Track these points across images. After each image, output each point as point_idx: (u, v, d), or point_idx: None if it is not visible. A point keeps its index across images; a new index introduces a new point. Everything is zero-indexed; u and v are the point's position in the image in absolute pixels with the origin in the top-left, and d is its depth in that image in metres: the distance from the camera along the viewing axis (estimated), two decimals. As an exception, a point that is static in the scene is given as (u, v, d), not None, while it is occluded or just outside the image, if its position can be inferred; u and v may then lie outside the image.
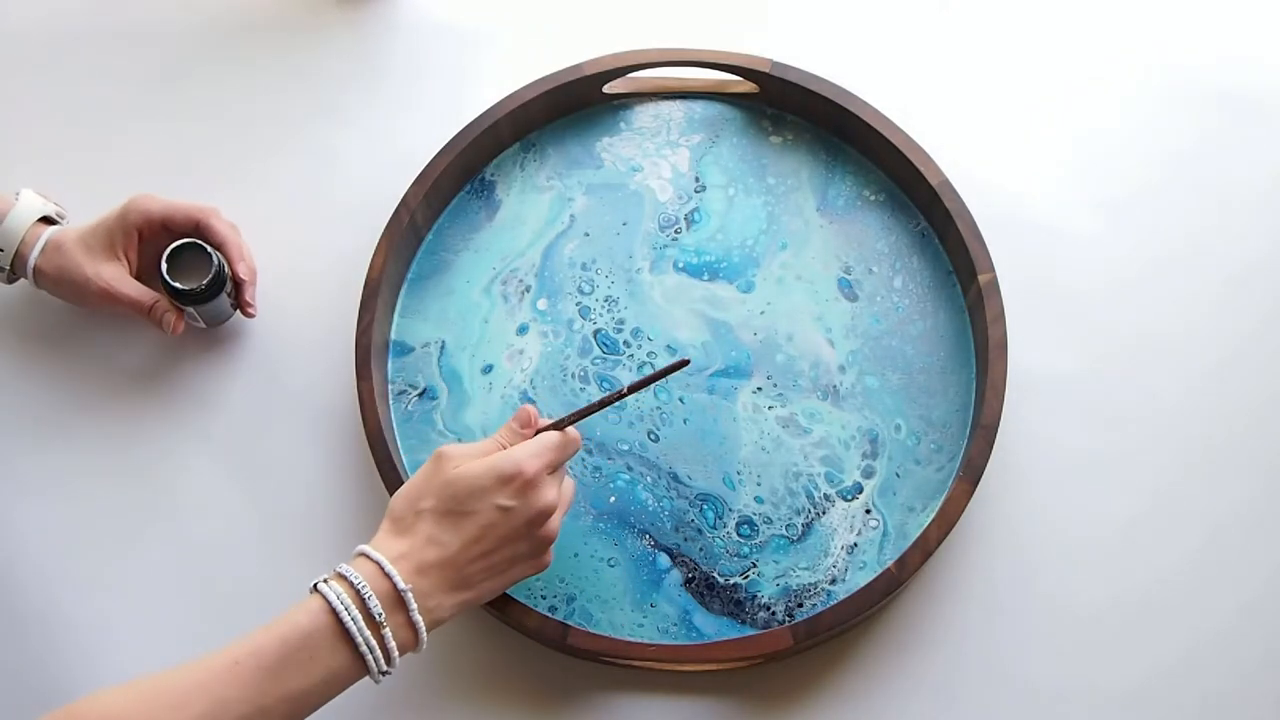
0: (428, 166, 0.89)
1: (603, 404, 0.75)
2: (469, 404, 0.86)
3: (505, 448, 0.73)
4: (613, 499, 0.83)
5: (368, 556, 0.69)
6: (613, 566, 0.82)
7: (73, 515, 0.86)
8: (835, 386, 0.85)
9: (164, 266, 0.84)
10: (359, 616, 0.67)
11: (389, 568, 0.68)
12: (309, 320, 0.90)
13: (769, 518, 0.82)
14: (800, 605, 0.80)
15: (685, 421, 0.85)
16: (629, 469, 0.84)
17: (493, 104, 0.90)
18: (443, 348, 0.88)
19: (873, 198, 0.90)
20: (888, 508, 0.82)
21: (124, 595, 0.84)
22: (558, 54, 0.92)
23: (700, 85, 0.94)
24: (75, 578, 0.84)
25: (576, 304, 0.88)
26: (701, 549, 0.82)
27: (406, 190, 0.88)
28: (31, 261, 0.85)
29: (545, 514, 0.72)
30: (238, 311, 0.89)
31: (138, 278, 0.87)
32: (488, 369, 0.87)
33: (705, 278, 0.89)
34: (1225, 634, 0.81)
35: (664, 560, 0.82)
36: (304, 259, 0.92)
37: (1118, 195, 0.92)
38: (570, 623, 0.79)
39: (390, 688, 0.81)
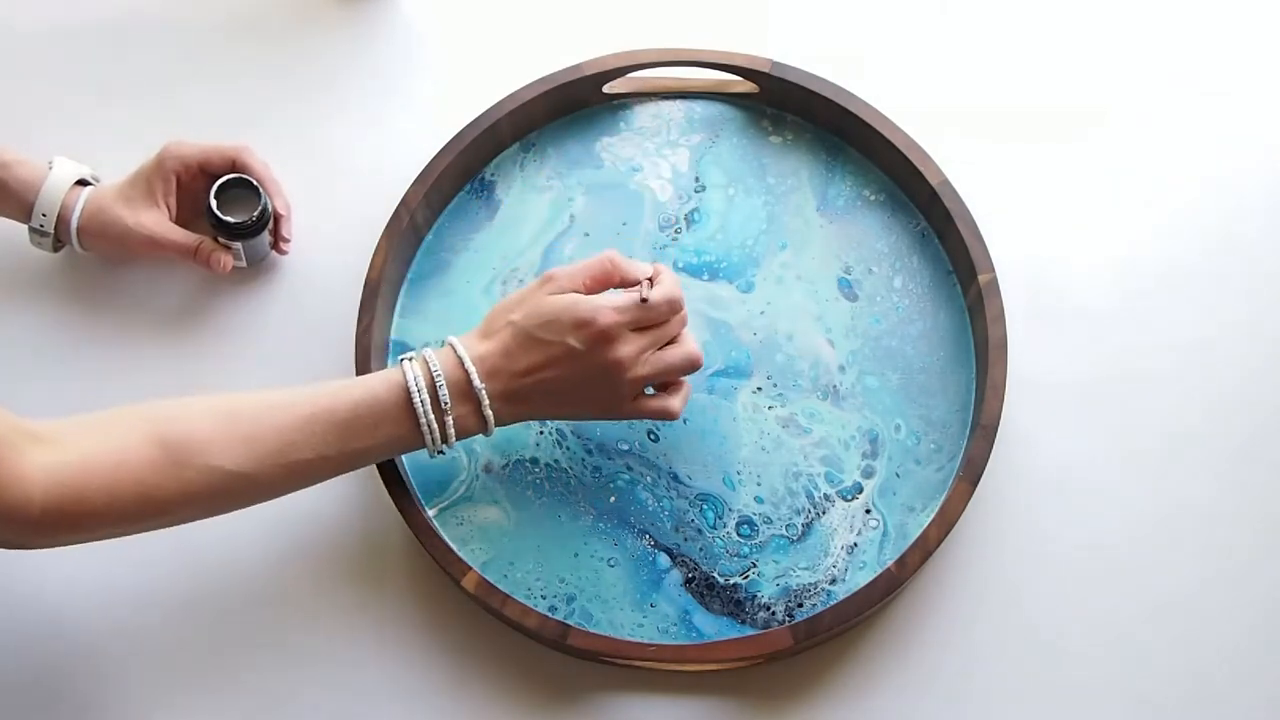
0: (428, 166, 0.89)
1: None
2: (469, 404, 0.86)
3: (609, 269, 0.77)
4: (613, 499, 0.83)
5: (454, 348, 0.75)
6: (613, 566, 0.82)
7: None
8: (835, 386, 0.85)
9: (213, 203, 0.86)
10: (428, 400, 0.73)
11: (469, 364, 0.74)
12: (309, 320, 0.90)
13: (769, 518, 0.82)
14: (800, 605, 0.80)
15: (685, 421, 0.85)
16: (629, 469, 0.84)
17: (493, 104, 0.90)
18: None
19: (873, 198, 0.90)
20: (888, 508, 0.82)
21: (119, 594, 0.84)
22: (558, 54, 0.92)
23: (700, 85, 0.94)
24: (72, 575, 0.84)
25: (576, 304, 0.88)
26: (701, 549, 0.82)
27: (406, 190, 0.88)
28: (74, 223, 0.86)
29: (618, 366, 0.75)
30: (273, 251, 0.91)
31: (178, 224, 0.88)
32: (488, 369, 0.87)
33: (705, 277, 0.89)
34: (1225, 634, 0.81)
35: (664, 560, 0.82)
36: (304, 259, 0.92)
37: (1118, 194, 0.92)
38: (570, 623, 0.79)
39: (390, 687, 0.81)
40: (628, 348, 0.75)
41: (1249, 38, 0.97)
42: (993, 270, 0.84)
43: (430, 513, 0.83)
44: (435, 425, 0.74)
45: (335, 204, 0.93)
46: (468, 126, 0.90)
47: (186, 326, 0.91)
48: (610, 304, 0.75)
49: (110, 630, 0.83)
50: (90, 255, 0.90)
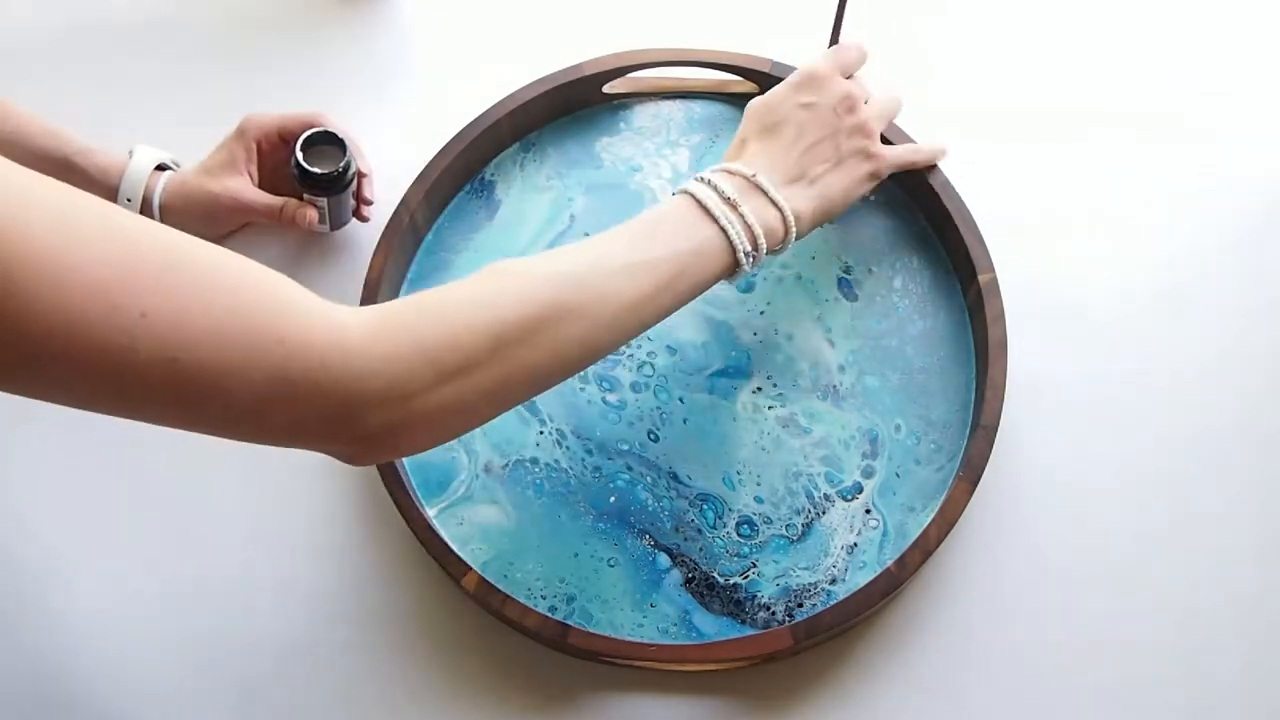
0: (428, 166, 0.89)
1: (842, 6, 0.83)
2: (469, 404, 0.86)
3: None
4: (613, 499, 0.83)
5: (712, 169, 0.76)
6: (613, 566, 0.82)
7: (72, 507, 0.86)
8: (835, 386, 0.85)
9: (299, 155, 0.85)
10: (714, 197, 0.74)
11: (734, 166, 0.76)
12: (309, 320, 0.90)
13: (769, 518, 0.82)
14: (800, 605, 0.80)
15: (685, 421, 0.85)
16: (629, 469, 0.84)
17: (493, 104, 0.90)
18: (443, 348, 0.88)
19: (873, 198, 0.90)
20: (888, 508, 0.82)
21: (119, 593, 0.84)
22: (558, 54, 0.92)
23: (700, 85, 0.94)
24: (73, 573, 0.84)
25: (576, 304, 0.88)
26: (701, 549, 0.82)
27: (406, 190, 0.88)
28: (156, 202, 0.87)
29: (849, 99, 0.79)
30: (354, 219, 0.91)
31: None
32: (488, 369, 0.87)
33: (705, 278, 0.89)
34: (1226, 634, 0.81)
35: (664, 560, 0.82)
36: (304, 259, 0.92)
37: (1118, 194, 0.92)
38: (570, 623, 0.79)
39: (390, 687, 0.81)
40: (847, 83, 0.80)
41: (1249, 38, 0.97)
42: (993, 270, 0.84)
43: (430, 513, 0.83)
44: (733, 219, 0.74)
45: (335, 204, 0.94)
46: (468, 126, 0.90)
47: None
48: (809, 60, 0.80)
49: (105, 624, 0.83)
50: None
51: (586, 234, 0.90)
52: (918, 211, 0.90)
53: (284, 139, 0.88)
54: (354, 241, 0.91)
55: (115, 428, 0.88)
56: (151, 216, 0.87)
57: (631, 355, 0.87)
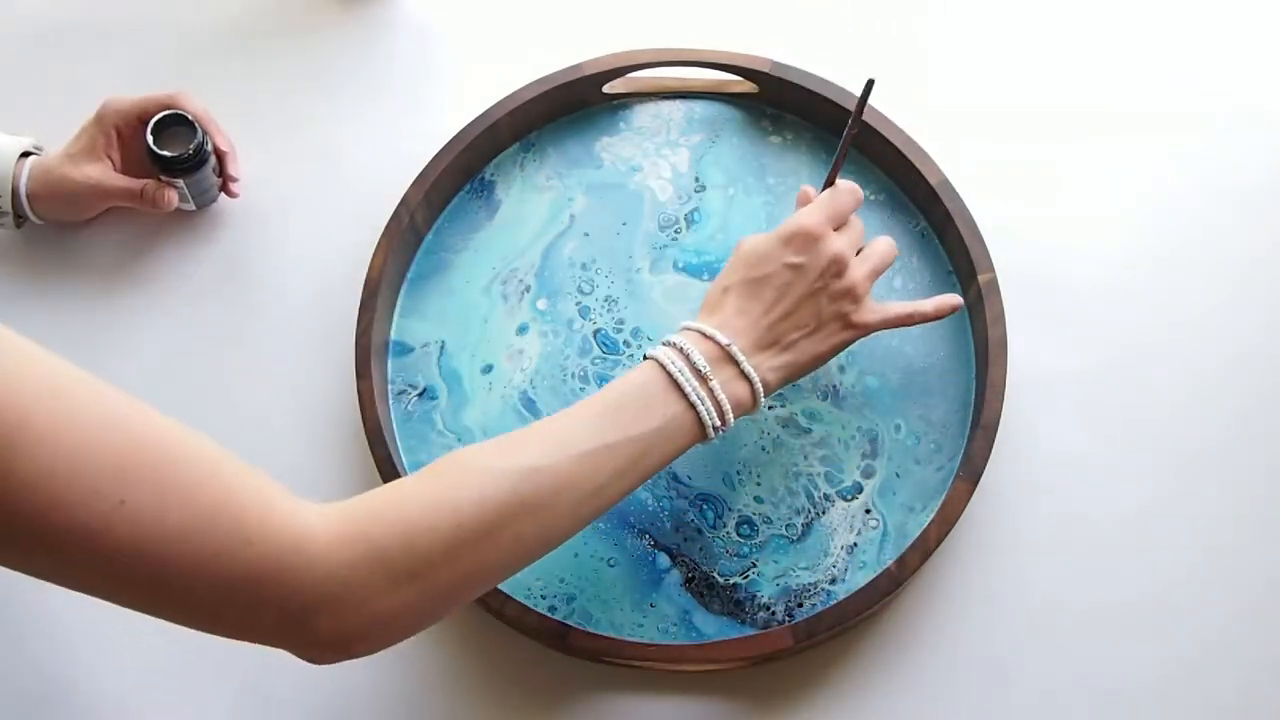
0: (427, 166, 0.89)
1: (844, 149, 0.79)
2: (469, 404, 0.86)
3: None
4: (613, 499, 0.83)
5: (688, 328, 0.74)
6: (613, 566, 0.82)
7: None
8: (835, 386, 0.85)
9: (149, 139, 0.87)
10: (685, 369, 0.71)
11: (709, 330, 0.73)
12: (309, 320, 0.90)
13: (769, 517, 0.82)
14: (800, 605, 0.80)
15: (685, 421, 0.85)
16: (629, 469, 0.84)
17: (492, 104, 0.90)
18: (443, 348, 0.88)
19: (873, 198, 0.90)
20: (887, 508, 0.82)
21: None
22: (557, 54, 0.92)
23: (700, 85, 0.94)
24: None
25: (576, 304, 0.88)
26: (701, 549, 0.82)
27: (406, 190, 0.88)
28: (24, 191, 0.88)
29: (838, 262, 0.75)
30: (223, 194, 0.93)
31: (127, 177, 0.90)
32: (488, 369, 0.87)
33: (705, 278, 0.89)
34: (1226, 634, 0.81)
35: (664, 560, 0.82)
36: (304, 259, 0.92)
37: (1118, 194, 0.92)
38: (570, 623, 0.79)
39: (390, 686, 0.81)
40: (839, 241, 0.75)
41: (1249, 38, 0.97)
42: (993, 270, 0.84)
43: (430, 513, 0.83)
44: (703, 394, 0.71)
45: (335, 204, 0.94)
46: (468, 126, 0.90)
47: (186, 326, 0.91)
48: (803, 211, 0.76)
49: (106, 625, 0.83)
50: (98, 247, 0.90)
51: (587, 234, 0.90)
52: (917, 211, 0.90)
53: (143, 122, 0.89)
54: (354, 241, 0.91)
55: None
56: (22, 209, 0.89)
57: (631, 355, 0.87)
